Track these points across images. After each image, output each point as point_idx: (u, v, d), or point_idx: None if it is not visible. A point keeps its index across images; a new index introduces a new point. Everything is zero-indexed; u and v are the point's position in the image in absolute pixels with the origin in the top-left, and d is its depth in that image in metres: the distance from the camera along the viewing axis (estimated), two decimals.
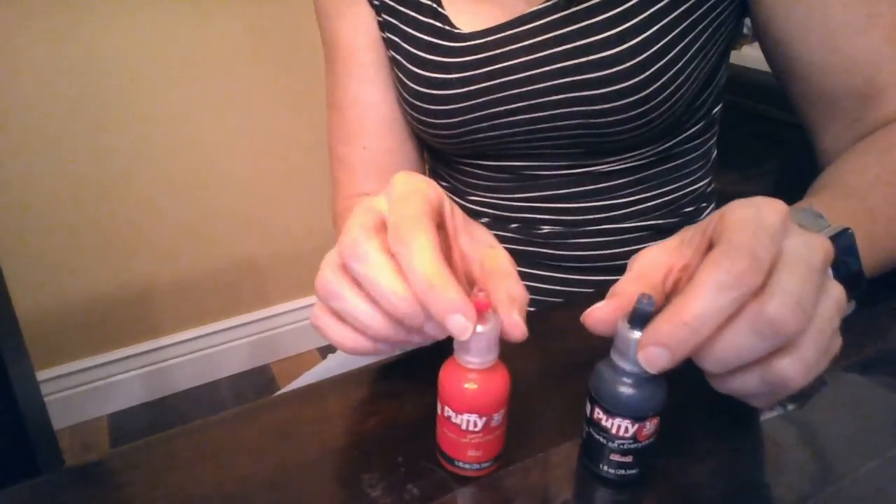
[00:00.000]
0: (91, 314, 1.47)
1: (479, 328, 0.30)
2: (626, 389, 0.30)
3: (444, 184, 0.69)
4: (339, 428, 0.38)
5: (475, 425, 0.32)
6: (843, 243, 0.36)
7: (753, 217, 0.29)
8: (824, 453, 0.34)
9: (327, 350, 0.95)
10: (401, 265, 0.30)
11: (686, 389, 0.38)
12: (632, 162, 0.58)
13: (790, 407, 0.38)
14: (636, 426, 0.31)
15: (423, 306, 0.30)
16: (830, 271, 0.31)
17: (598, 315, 0.31)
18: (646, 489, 0.33)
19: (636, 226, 0.61)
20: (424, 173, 0.70)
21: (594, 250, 0.61)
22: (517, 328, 0.32)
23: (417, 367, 0.43)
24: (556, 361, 0.42)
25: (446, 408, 0.32)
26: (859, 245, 0.37)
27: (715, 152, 0.65)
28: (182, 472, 0.35)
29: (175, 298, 1.54)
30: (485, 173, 0.62)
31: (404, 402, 0.39)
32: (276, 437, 0.37)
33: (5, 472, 0.87)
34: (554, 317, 0.45)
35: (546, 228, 0.61)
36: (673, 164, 0.60)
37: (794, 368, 0.28)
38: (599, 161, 0.58)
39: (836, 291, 0.30)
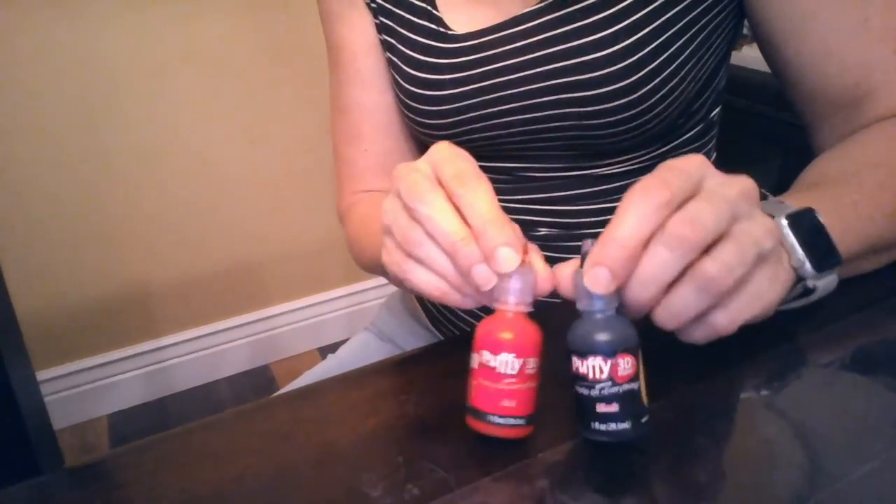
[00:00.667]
0: (91, 314, 1.47)
1: (522, 268, 0.34)
2: (592, 328, 0.33)
3: None
4: (339, 428, 0.38)
5: (512, 367, 0.33)
6: (807, 221, 0.39)
7: (671, 162, 0.34)
8: (823, 454, 0.35)
9: (327, 350, 0.95)
10: (463, 205, 0.35)
11: (685, 390, 0.38)
12: (629, 165, 0.58)
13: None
14: (609, 363, 0.32)
15: (479, 241, 0.34)
16: (782, 208, 0.38)
17: (562, 272, 0.35)
18: (645, 489, 0.33)
19: None
20: None
21: None
22: (549, 281, 0.36)
23: (418, 367, 0.44)
24: (554, 362, 0.42)
25: (483, 353, 0.34)
26: (833, 230, 0.39)
27: (714, 156, 0.65)
28: (182, 472, 0.35)
29: (175, 298, 1.54)
30: None
31: (404, 402, 0.40)
32: (276, 437, 0.37)
33: (5, 472, 0.87)
34: (552, 317, 0.45)
35: (543, 230, 0.61)
36: None
37: (712, 265, 0.32)
38: (597, 164, 0.58)
39: (767, 222, 0.34)
